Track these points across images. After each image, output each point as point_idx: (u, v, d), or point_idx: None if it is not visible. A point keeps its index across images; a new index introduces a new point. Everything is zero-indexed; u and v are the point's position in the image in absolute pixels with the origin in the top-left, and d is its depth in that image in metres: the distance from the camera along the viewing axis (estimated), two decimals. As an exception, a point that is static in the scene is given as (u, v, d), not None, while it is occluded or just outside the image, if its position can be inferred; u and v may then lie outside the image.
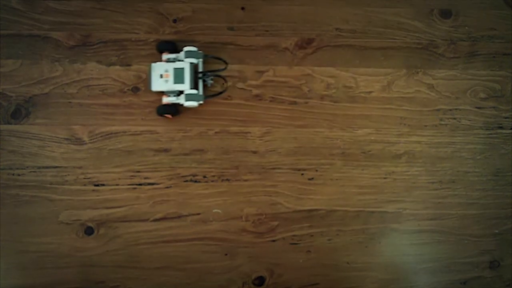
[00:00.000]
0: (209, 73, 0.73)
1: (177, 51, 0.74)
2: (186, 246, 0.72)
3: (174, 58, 0.72)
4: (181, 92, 0.72)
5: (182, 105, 0.72)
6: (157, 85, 0.71)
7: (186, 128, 0.74)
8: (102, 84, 0.74)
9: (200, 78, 0.73)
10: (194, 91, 0.71)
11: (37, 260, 0.71)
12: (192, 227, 0.73)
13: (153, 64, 0.72)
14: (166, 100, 0.72)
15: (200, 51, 0.73)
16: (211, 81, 0.74)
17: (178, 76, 0.71)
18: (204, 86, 0.74)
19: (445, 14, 0.79)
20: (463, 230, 0.75)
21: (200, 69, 0.73)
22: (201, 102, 0.72)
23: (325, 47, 0.77)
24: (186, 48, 0.72)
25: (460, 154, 0.76)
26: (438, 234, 0.75)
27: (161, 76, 0.71)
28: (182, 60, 0.72)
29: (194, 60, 0.72)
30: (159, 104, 0.73)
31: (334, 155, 0.75)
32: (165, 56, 0.73)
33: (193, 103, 0.71)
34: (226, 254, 0.73)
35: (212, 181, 0.74)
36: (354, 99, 0.76)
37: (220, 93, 0.74)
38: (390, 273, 0.74)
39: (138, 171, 0.73)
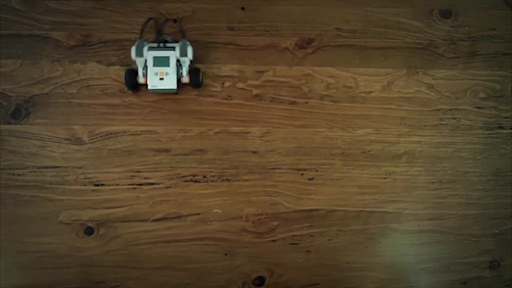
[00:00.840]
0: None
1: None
2: (186, 246, 0.72)
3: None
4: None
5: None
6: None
7: (186, 128, 0.74)
8: (102, 84, 0.74)
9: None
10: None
11: (37, 260, 0.71)
12: (192, 227, 0.73)
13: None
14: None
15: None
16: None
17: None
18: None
19: (445, 14, 0.79)
20: (463, 230, 0.75)
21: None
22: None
23: (325, 47, 0.77)
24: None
25: (460, 154, 0.76)
26: (438, 234, 0.75)
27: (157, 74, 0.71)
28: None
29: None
30: (159, 104, 0.73)
31: (334, 155, 0.75)
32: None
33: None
34: (226, 254, 0.73)
35: (212, 181, 0.74)
36: (354, 99, 0.76)
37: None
38: (390, 273, 0.74)
39: (138, 171, 0.73)
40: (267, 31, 0.77)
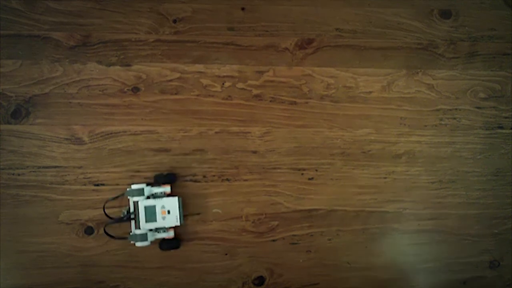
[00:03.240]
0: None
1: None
2: (186, 246, 0.72)
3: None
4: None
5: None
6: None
7: (186, 128, 0.74)
8: (102, 84, 0.74)
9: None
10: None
11: (37, 260, 0.71)
12: (192, 227, 0.73)
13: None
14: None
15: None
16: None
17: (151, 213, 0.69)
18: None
19: (445, 14, 0.79)
20: (463, 230, 0.75)
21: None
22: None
23: (325, 47, 0.77)
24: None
25: (460, 154, 0.76)
26: (438, 234, 0.75)
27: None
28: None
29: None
30: (159, 104, 0.73)
31: (334, 155, 0.75)
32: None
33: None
34: (226, 254, 0.73)
35: (212, 181, 0.74)
36: (354, 99, 0.76)
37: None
38: (390, 273, 0.74)
39: (138, 171, 0.73)
40: (267, 31, 0.77)
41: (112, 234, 0.70)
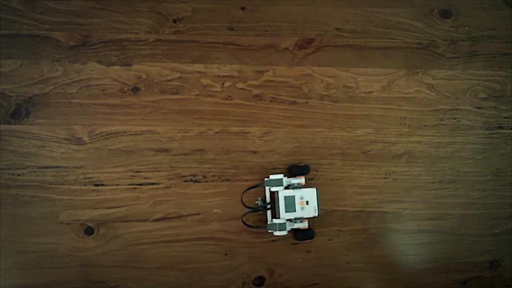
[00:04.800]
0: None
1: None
2: (186, 246, 0.72)
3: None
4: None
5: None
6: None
7: (186, 128, 0.74)
8: (102, 84, 0.74)
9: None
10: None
11: (37, 260, 0.71)
12: (192, 227, 0.73)
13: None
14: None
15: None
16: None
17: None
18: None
19: (445, 14, 0.79)
20: (463, 230, 0.75)
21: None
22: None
23: (325, 47, 0.77)
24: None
25: (460, 154, 0.76)
26: (438, 234, 0.75)
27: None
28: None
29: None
30: (159, 104, 0.73)
31: (334, 155, 0.75)
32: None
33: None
34: (226, 254, 0.73)
35: (212, 181, 0.74)
36: (354, 99, 0.76)
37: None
38: (390, 273, 0.74)
39: (138, 171, 0.73)
40: (267, 31, 0.77)
41: (249, 223, 0.72)
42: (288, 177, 0.71)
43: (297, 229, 0.71)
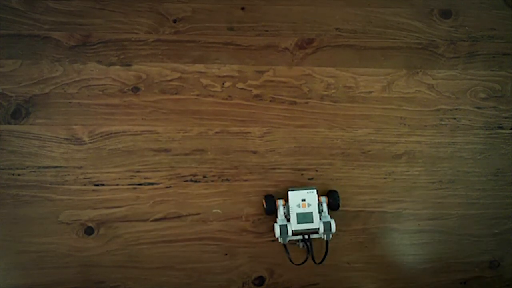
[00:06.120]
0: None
1: None
2: (186, 246, 0.72)
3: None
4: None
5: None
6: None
7: (186, 128, 0.74)
8: (102, 84, 0.74)
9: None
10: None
11: (37, 260, 0.71)
12: (192, 227, 0.73)
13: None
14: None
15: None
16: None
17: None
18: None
19: (445, 14, 0.79)
20: (463, 230, 0.75)
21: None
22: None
23: (325, 47, 0.77)
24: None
25: (460, 154, 0.76)
26: (438, 234, 0.75)
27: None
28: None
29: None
30: (159, 104, 0.73)
31: (334, 155, 0.75)
32: None
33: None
34: (226, 254, 0.73)
35: (212, 181, 0.74)
36: (354, 99, 0.76)
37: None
38: (390, 273, 0.74)
39: (138, 171, 0.73)
40: (267, 31, 0.77)
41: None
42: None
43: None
